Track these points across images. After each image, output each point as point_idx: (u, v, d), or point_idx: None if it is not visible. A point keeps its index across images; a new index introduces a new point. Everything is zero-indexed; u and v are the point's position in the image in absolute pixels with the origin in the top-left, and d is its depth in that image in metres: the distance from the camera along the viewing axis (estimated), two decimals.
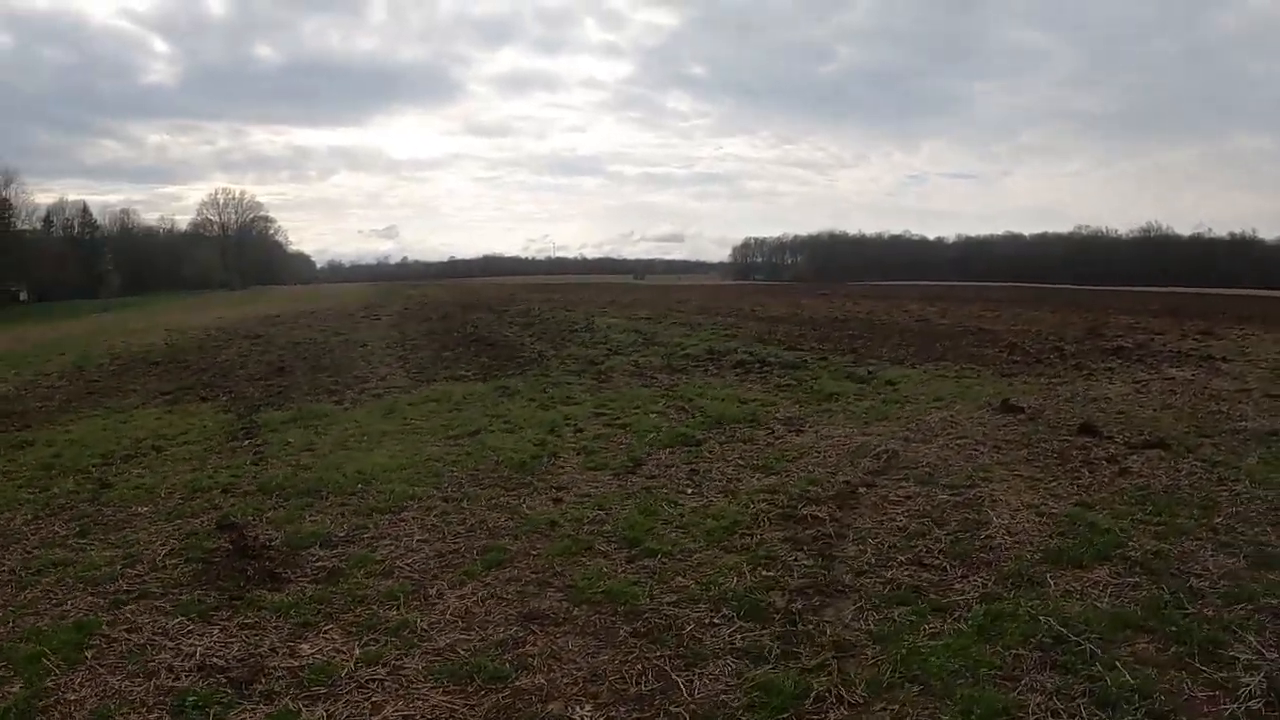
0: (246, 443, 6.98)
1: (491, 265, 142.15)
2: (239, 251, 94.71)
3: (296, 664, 3.10)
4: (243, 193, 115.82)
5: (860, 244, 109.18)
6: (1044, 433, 6.58)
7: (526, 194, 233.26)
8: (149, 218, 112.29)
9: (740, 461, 5.89)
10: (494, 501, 5.08)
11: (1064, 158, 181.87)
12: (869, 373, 9.99)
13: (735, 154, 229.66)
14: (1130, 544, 4.00)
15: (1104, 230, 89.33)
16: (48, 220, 76.00)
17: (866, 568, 3.85)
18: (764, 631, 3.24)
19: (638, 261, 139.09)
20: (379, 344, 15.62)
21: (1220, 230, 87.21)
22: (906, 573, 3.77)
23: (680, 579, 3.78)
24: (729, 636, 3.22)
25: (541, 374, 10.56)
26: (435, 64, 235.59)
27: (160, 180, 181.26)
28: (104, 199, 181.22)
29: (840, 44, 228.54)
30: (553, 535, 4.44)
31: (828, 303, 29.81)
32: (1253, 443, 6.04)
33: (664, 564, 3.98)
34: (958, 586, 3.60)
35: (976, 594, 3.50)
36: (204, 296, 63.82)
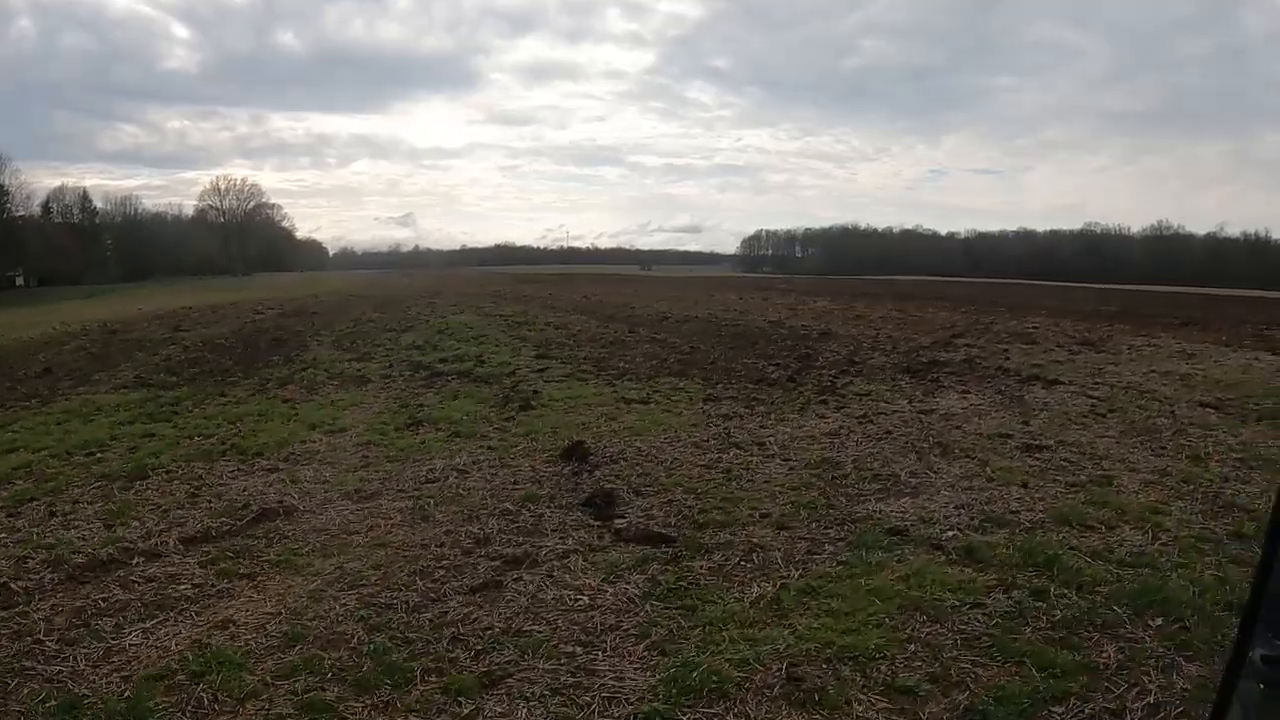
0: None
1: (504, 254, 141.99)
2: (241, 238, 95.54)
3: None
4: (244, 179, 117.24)
5: (871, 238, 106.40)
6: (558, 495, 5.35)
7: (546, 184, 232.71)
8: (162, 203, 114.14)
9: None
10: None
11: (1088, 155, 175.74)
12: (534, 392, 8.77)
13: (756, 146, 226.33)
14: None
15: (1115, 228, 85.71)
16: (47, 206, 77.33)
17: None
18: None
19: (647, 252, 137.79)
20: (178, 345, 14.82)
21: (1241, 230, 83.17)
22: None
23: None
24: None
25: (226, 389, 9.64)
26: (458, 52, 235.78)
27: (180, 166, 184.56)
28: (122, 184, 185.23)
29: (865, 38, 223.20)
30: None
31: (739, 299, 28.16)
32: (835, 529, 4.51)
33: None
34: None
35: None
36: (180, 285, 64.29)
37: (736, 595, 3.56)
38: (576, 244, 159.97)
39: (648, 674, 2.91)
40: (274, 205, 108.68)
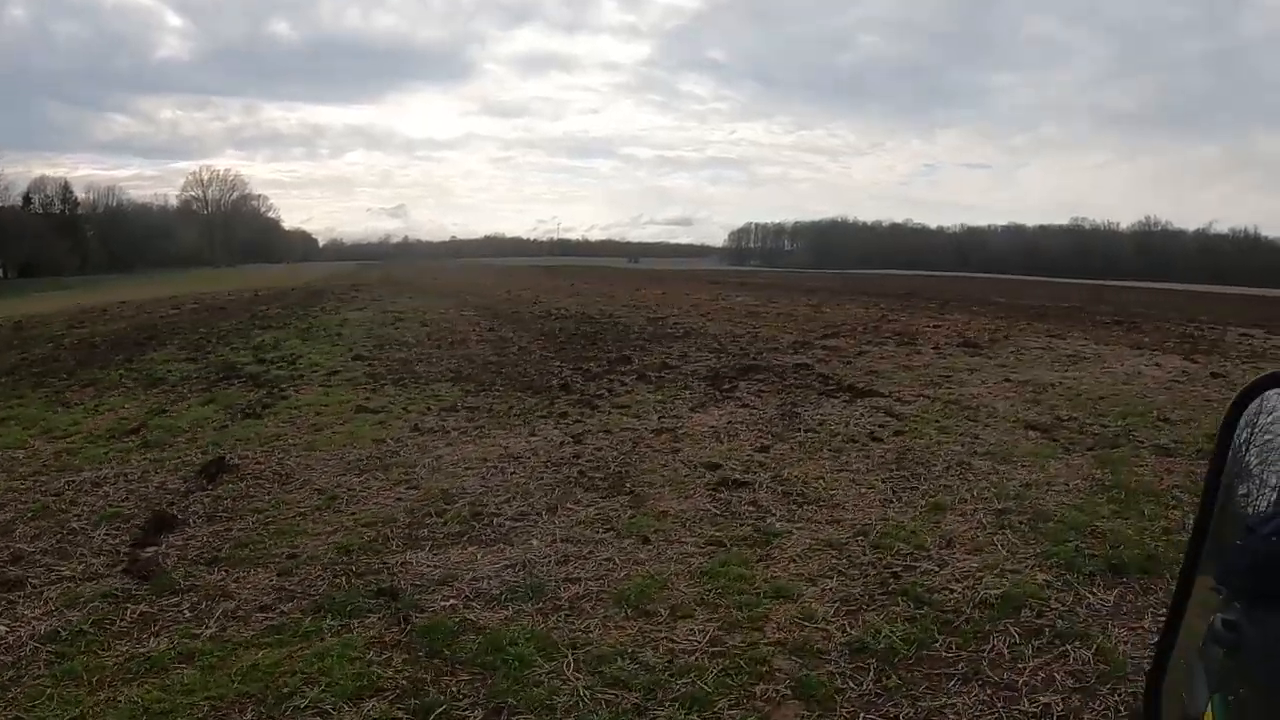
0: None
1: (493, 246, 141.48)
2: (226, 229, 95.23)
3: None
4: (228, 170, 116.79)
5: (859, 231, 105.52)
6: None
7: (539, 175, 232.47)
8: (153, 194, 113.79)
9: None
10: None
11: (1083, 152, 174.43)
12: (281, 397, 8.11)
13: (750, 139, 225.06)
14: None
15: (1105, 224, 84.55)
16: (27, 197, 77.12)
17: None
18: None
19: (637, 245, 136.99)
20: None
21: (1229, 227, 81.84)
22: None
23: None
24: None
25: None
26: (453, 42, 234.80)
27: (172, 156, 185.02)
28: (114, 174, 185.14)
29: (862, 33, 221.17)
30: None
31: (662, 293, 27.05)
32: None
33: None
34: None
35: None
36: (159, 277, 63.98)
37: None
38: (568, 236, 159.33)
39: None
40: (259, 196, 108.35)
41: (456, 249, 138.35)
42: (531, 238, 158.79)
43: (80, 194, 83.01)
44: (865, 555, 3.97)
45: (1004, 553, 3.97)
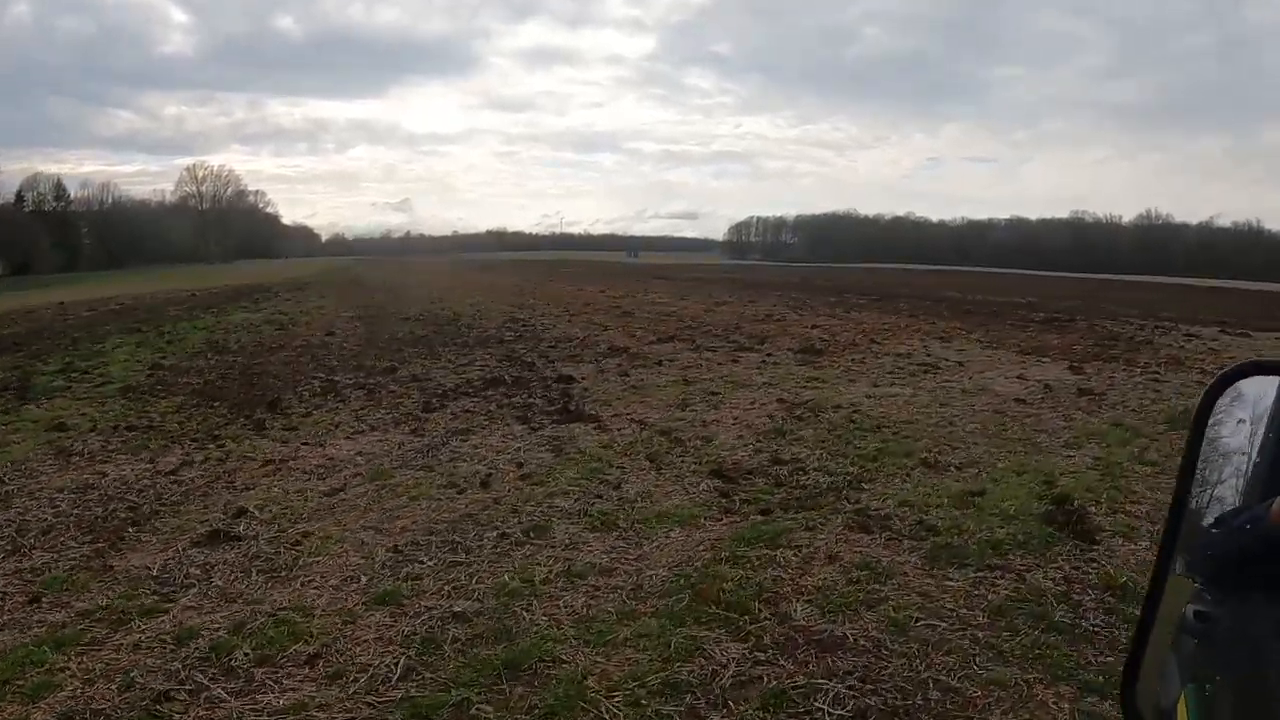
0: None
1: (496, 240, 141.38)
2: (221, 225, 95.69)
3: None
4: (221, 166, 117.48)
5: (859, 225, 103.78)
6: None
7: (543, 169, 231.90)
8: (157, 190, 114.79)
9: None
10: None
11: (1087, 146, 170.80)
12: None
13: (755, 132, 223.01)
14: None
15: (1106, 217, 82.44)
16: (20, 195, 77.81)
17: None
18: None
19: (640, 239, 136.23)
20: None
21: (1231, 220, 79.54)
22: None
23: None
24: None
25: None
26: (458, 36, 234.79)
27: (176, 152, 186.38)
28: (119, 170, 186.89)
29: (867, 26, 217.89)
30: None
31: (577, 290, 25.85)
32: None
33: None
34: None
35: None
36: (146, 274, 64.28)
37: None
38: (571, 230, 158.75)
39: None
40: (257, 191, 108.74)
41: (459, 244, 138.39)
42: (535, 232, 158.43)
43: (75, 191, 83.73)
44: None
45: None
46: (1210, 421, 0.87)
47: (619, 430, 6.68)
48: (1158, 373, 9.64)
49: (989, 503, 4.67)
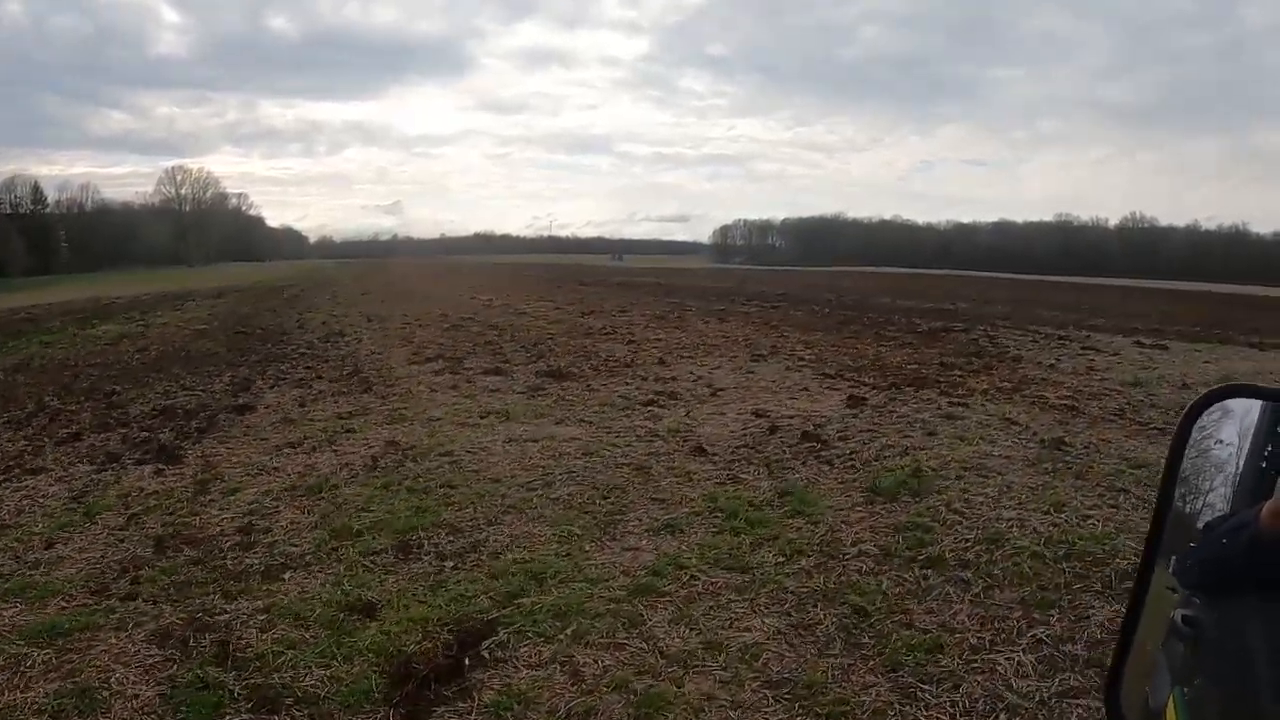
0: None
1: (484, 243, 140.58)
2: (200, 228, 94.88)
3: None
4: (200, 169, 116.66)
5: (846, 227, 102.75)
6: None
7: (536, 171, 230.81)
8: (132, 193, 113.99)
9: None
10: None
11: (1084, 147, 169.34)
12: None
13: (748, 135, 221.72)
14: None
15: (1093, 220, 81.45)
16: None
17: None
18: None
19: (629, 242, 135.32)
20: None
21: (1217, 223, 78.46)
22: None
23: None
24: None
25: None
26: (452, 37, 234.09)
27: (168, 154, 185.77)
28: (110, 171, 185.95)
29: (864, 26, 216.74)
30: None
31: (485, 298, 24.18)
32: None
33: None
34: None
35: None
36: (118, 276, 63.53)
37: None
38: (560, 233, 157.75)
39: None
40: (240, 194, 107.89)
41: (446, 246, 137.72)
42: (524, 235, 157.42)
43: (54, 194, 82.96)
44: None
45: None
46: (1193, 435, 0.90)
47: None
48: (965, 403, 7.44)
49: (364, 630, 3.28)
